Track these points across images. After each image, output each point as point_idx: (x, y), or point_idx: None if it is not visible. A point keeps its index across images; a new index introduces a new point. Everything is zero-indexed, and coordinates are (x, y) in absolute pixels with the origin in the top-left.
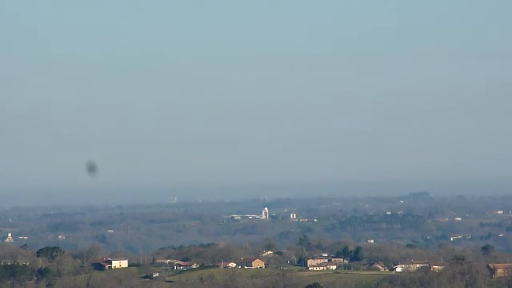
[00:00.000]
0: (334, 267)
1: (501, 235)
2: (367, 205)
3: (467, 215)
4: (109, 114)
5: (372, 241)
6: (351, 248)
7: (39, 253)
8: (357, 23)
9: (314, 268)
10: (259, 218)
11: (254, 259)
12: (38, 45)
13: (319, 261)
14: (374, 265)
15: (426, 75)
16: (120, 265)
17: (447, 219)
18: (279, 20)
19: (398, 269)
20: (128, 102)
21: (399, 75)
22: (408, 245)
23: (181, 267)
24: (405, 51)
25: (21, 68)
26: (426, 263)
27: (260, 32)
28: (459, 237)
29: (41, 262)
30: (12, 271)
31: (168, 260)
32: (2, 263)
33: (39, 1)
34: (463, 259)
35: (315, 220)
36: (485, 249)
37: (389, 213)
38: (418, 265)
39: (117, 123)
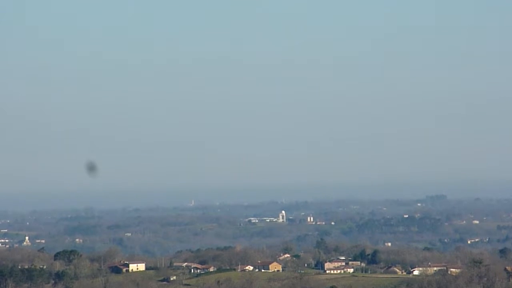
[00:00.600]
0: (352, 270)
1: None
2: (384, 208)
3: (484, 218)
4: (124, 116)
5: (389, 244)
6: (369, 251)
7: (56, 256)
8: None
9: (332, 271)
10: (277, 221)
11: (271, 262)
12: (38, 45)
13: (336, 264)
14: (391, 268)
15: (445, 76)
16: (137, 269)
17: (464, 222)
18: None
19: (416, 272)
20: (144, 104)
21: (414, 76)
22: (426, 248)
23: (199, 270)
24: (427, 52)
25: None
26: (444, 266)
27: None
28: (477, 240)
29: (58, 266)
30: (29, 274)
31: (186, 263)
32: (19, 267)
33: (40, 0)
34: (480, 262)
35: (333, 223)
36: (503, 252)
37: (407, 216)
38: (435, 268)
39: (134, 125)
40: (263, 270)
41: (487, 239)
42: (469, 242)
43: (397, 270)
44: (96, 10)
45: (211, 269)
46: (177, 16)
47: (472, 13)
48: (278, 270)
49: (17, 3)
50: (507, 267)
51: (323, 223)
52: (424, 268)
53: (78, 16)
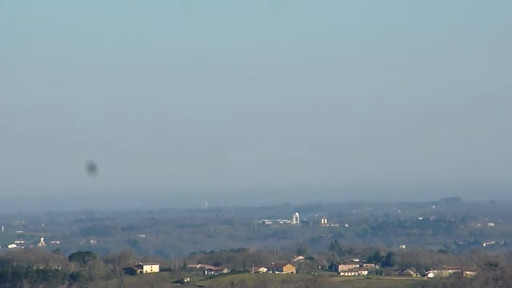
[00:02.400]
0: (366, 272)
1: None
2: (399, 210)
3: (499, 220)
4: (136, 118)
5: (403, 246)
6: (383, 253)
7: (71, 257)
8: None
9: (346, 274)
10: (290, 223)
11: (285, 264)
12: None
13: (350, 266)
14: (406, 271)
15: (458, 76)
16: (151, 270)
17: (479, 224)
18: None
19: (430, 275)
20: (158, 106)
21: (425, 75)
22: (440, 251)
23: (212, 272)
24: (432, 49)
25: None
26: (459, 268)
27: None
28: (492, 242)
29: (73, 267)
30: (44, 275)
31: (199, 265)
32: (34, 268)
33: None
34: (496, 265)
35: (346, 225)
36: None
37: (421, 218)
38: (450, 271)
39: (147, 127)
40: (276, 272)
41: (503, 242)
42: (484, 244)
43: (412, 273)
44: (95, 12)
45: (225, 271)
46: (177, 19)
47: (465, 12)
48: (291, 272)
49: (15, 4)
50: None
51: (337, 225)
52: (439, 271)
53: (77, 18)
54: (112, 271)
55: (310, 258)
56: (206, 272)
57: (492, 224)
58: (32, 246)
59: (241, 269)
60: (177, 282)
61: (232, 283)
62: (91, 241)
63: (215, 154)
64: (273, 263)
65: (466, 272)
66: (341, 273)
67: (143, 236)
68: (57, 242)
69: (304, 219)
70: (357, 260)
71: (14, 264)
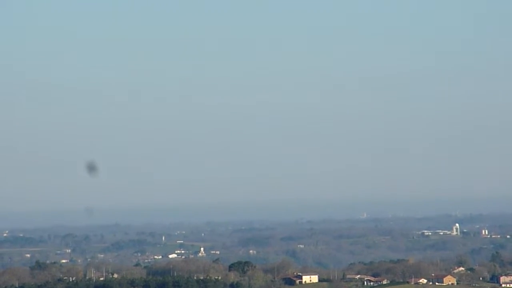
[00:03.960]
0: None
1: None
2: None
3: None
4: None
5: None
6: None
7: (231, 267)
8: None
9: (508, 285)
10: (450, 234)
11: (445, 276)
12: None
13: None
14: None
15: None
16: (310, 280)
17: None
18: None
19: None
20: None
21: None
22: None
23: (372, 283)
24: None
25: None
26: None
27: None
28: None
29: (232, 277)
30: (205, 285)
31: (358, 276)
32: (195, 277)
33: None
34: None
35: (508, 236)
36: None
37: None
38: None
39: (308, 141)
40: (437, 283)
41: None
42: None
43: None
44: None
45: (384, 282)
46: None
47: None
48: (452, 284)
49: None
50: None
51: (498, 236)
52: None
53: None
54: (271, 281)
55: (471, 270)
56: (365, 283)
57: None
58: (192, 256)
59: (401, 280)
60: None
61: None
62: (250, 251)
63: (373, 164)
64: (433, 274)
65: None
66: (503, 285)
67: (302, 246)
68: (217, 252)
69: (465, 230)
70: None
71: (175, 273)
